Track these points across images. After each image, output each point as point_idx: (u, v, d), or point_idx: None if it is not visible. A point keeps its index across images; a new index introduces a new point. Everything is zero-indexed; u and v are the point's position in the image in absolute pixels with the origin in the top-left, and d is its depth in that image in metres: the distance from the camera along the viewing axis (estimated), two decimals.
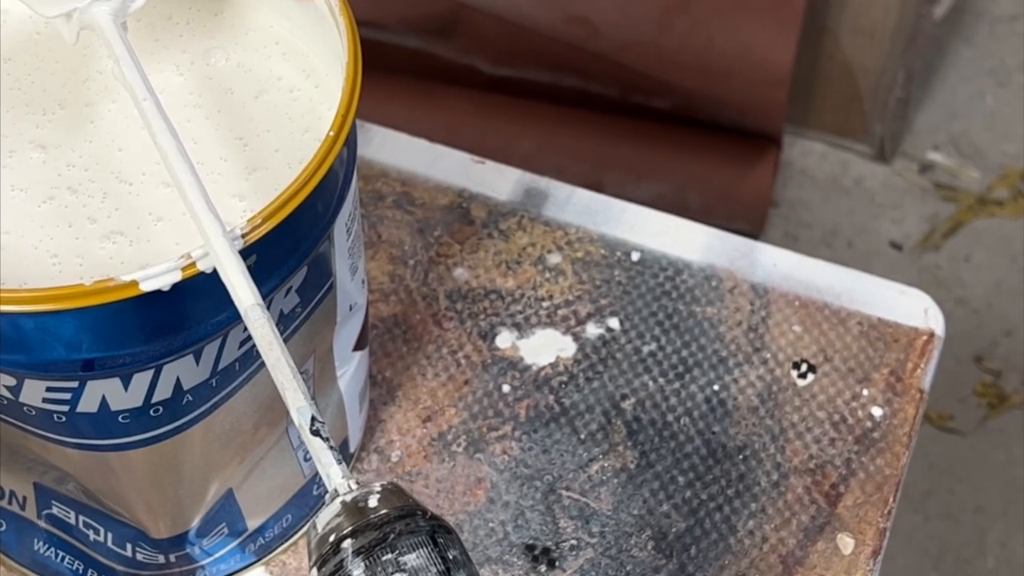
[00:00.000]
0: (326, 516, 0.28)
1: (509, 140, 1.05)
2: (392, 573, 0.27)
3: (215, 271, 0.31)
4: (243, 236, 0.32)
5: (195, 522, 0.40)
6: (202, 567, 0.42)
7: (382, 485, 0.28)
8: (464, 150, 0.53)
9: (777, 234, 1.16)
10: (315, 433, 0.29)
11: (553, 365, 0.48)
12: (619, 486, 0.45)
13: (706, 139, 1.08)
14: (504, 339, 0.48)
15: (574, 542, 0.44)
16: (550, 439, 0.46)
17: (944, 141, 1.25)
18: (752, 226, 1.09)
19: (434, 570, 0.27)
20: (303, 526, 0.44)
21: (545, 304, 0.49)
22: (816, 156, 1.23)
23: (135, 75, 0.34)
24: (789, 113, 1.11)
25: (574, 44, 1.02)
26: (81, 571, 0.42)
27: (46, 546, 0.41)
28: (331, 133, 0.34)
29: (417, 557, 0.27)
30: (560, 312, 0.49)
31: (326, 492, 0.44)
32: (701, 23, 0.99)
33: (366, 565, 0.27)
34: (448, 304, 0.49)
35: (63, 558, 0.41)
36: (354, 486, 0.28)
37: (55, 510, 0.40)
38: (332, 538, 0.27)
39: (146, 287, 0.31)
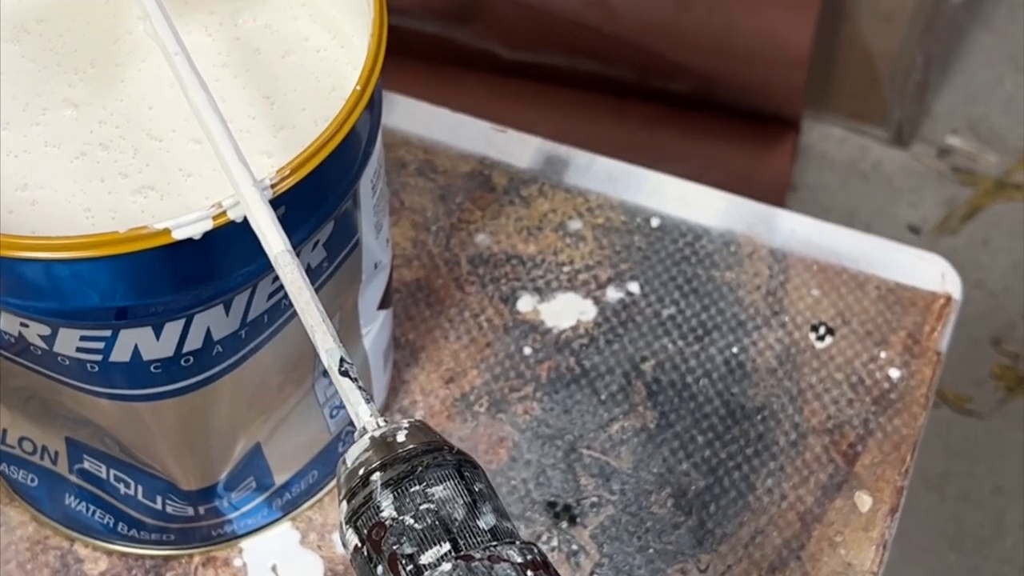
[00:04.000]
0: (355, 451, 0.29)
1: (526, 125, 1.04)
2: (420, 504, 0.27)
3: (245, 221, 0.32)
4: (272, 186, 0.32)
5: (224, 475, 0.40)
6: (229, 521, 0.43)
7: (409, 422, 0.29)
8: None
9: None
10: (344, 373, 0.30)
11: (574, 328, 0.48)
12: (639, 445, 0.45)
13: (724, 123, 1.09)
14: (525, 303, 0.49)
15: (595, 499, 0.44)
16: (571, 400, 0.47)
17: (962, 125, 1.25)
18: None
19: (460, 501, 0.27)
20: (329, 483, 0.45)
21: (566, 269, 0.50)
22: (834, 140, 1.23)
23: (166, 30, 0.34)
24: (808, 98, 1.11)
25: (592, 27, 1.02)
26: (111, 525, 0.42)
27: (77, 500, 0.42)
28: (357, 87, 0.34)
29: (444, 489, 0.28)
30: (580, 277, 0.50)
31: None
32: (720, 4, 1.00)
33: (395, 496, 0.27)
34: (470, 269, 0.50)
35: (94, 512, 0.42)
36: (382, 423, 0.29)
37: (87, 464, 0.41)
38: (361, 472, 0.28)
39: (178, 235, 0.31)
